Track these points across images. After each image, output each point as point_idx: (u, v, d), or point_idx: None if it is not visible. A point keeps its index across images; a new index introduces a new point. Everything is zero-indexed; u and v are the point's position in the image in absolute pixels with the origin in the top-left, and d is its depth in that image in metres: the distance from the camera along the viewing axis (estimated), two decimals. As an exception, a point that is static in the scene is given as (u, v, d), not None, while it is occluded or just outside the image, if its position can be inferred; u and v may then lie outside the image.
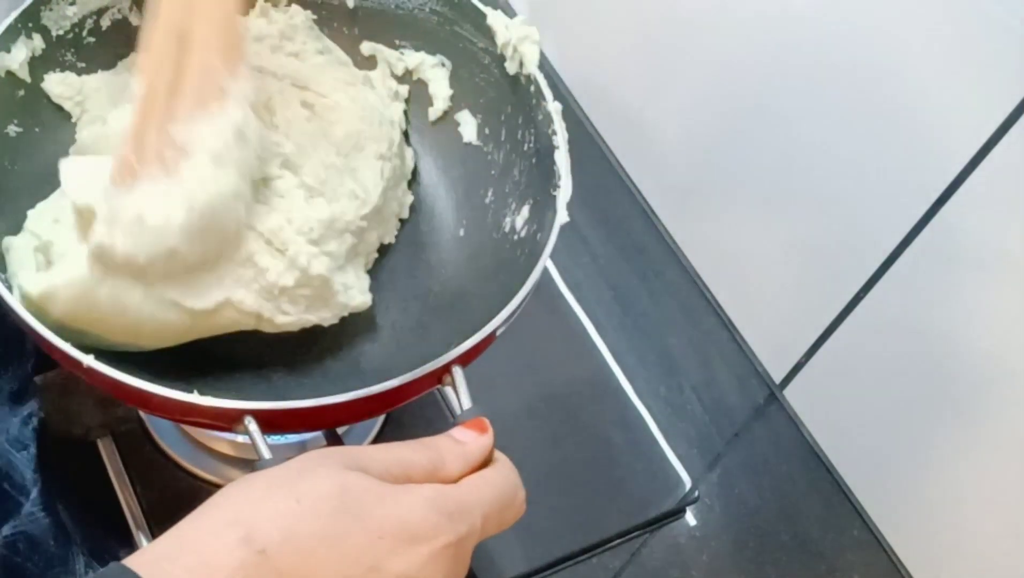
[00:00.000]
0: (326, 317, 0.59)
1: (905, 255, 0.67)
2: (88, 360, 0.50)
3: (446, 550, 0.41)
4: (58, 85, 0.63)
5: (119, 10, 0.65)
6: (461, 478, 0.45)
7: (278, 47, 0.65)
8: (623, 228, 0.88)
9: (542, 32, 0.62)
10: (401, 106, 0.68)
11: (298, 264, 0.56)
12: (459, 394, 0.52)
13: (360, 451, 0.44)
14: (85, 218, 0.54)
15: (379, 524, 0.40)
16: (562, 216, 0.57)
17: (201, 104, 0.53)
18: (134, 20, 0.65)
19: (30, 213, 0.57)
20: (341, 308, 0.60)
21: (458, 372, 0.52)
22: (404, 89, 0.69)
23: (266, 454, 0.48)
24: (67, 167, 0.56)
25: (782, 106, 0.73)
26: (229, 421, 0.50)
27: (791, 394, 0.79)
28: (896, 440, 0.71)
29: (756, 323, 0.82)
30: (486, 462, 0.46)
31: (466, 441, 0.46)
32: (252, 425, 0.49)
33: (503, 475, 0.46)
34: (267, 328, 0.58)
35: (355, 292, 0.60)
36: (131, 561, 0.38)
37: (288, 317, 0.58)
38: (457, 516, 0.42)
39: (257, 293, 0.57)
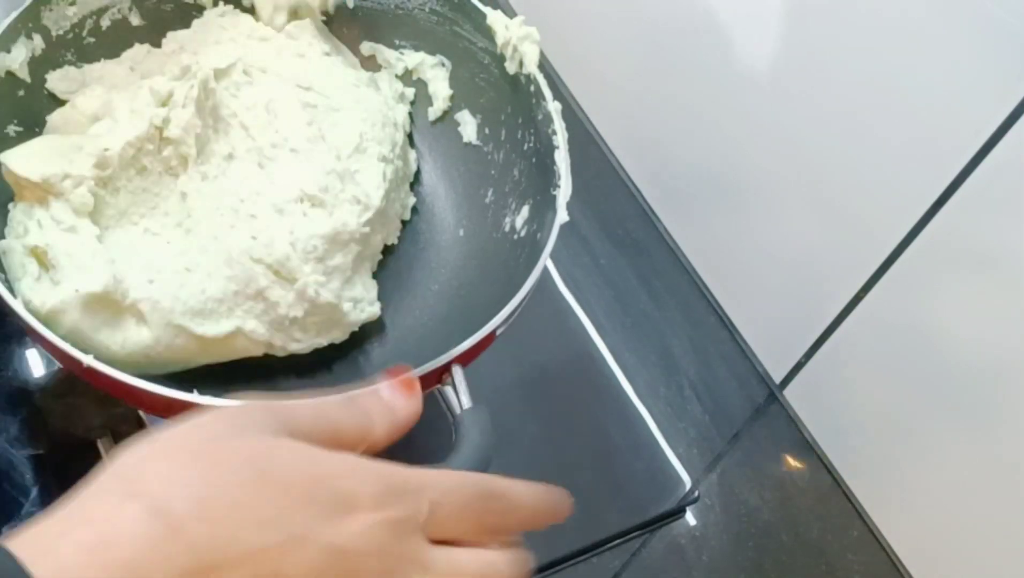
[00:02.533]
0: (337, 337, 0.60)
1: (905, 255, 0.67)
2: (88, 360, 0.50)
3: (385, 525, 0.36)
4: (60, 81, 0.63)
5: (119, 10, 0.65)
6: (388, 444, 0.40)
7: (284, 47, 0.65)
8: (623, 228, 0.88)
9: (542, 32, 0.62)
10: (406, 108, 0.68)
11: (307, 296, 0.56)
12: (459, 394, 0.52)
13: (284, 408, 0.38)
14: (36, 195, 0.55)
15: (308, 488, 0.35)
16: (562, 216, 0.57)
17: None
18: (134, 20, 0.66)
19: (9, 217, 0.57)
20: (352, 325, 0.60)
21: (458, 372, 0.52)
22: (410, 92, 0.69)
23: (266, 454, 0.48)
24: (10, 156, 0.56)
25: (782, 106, 0.73)
26: (229, 421, 0.50)
27: (791, 394, 0.79)
28: (896, 440, 0.71)
29: (756, 323, 0.82)
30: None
31: (394, 404, 0.41)
32: (252, 425, 0.49)
33: (463, 471, 0.41)
34: (279, 353, 0.58)
35: (364, 304, 0.60)
36: (11, 539, 0.32)
37: (299, 344, 0.58)
38: (399, 489, 0.36)
39: (268, 324, 0.57)
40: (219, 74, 0.62)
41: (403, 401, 0.41)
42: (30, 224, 0.55)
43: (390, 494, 0.36)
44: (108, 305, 0.54)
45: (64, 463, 0.67)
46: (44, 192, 0.56)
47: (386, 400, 0.41)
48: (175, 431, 0.36)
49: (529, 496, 0.41)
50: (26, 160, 0.56)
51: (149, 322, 0.54)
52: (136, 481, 0.34)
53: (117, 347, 0.54)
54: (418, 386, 0.42)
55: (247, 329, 0.56)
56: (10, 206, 0.57)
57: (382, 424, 0.40)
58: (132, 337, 0.54)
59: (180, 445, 0.36)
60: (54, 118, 0.61)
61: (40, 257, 0.55)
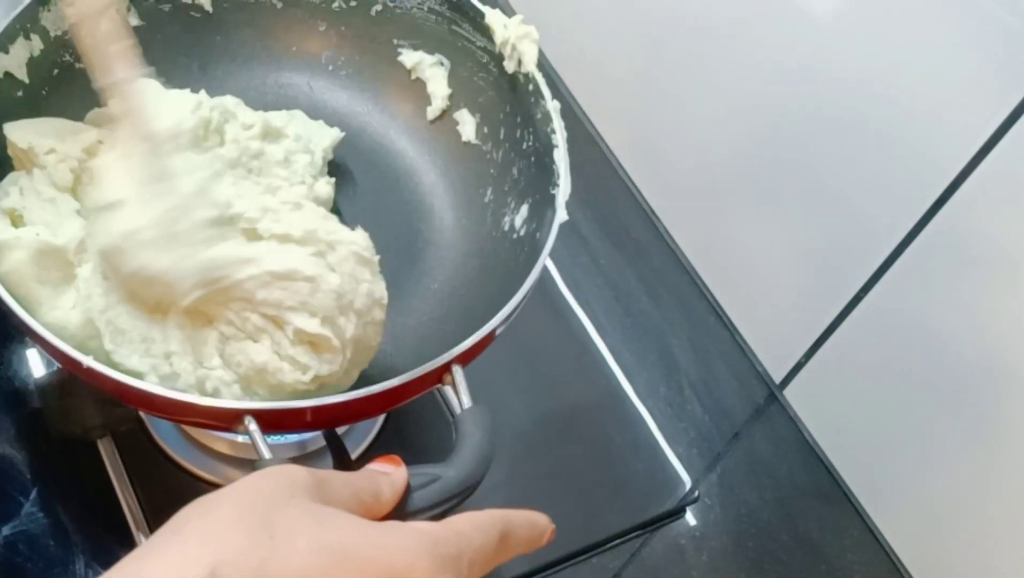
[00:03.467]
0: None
1: (905, 255, 0.67)
2: (88, 361, 0.50)
3: None
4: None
5: (117, 11, 0.65)
6: (393, 508, 0.43)
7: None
8: (623, 228, 0.88)
9: (541, 31, 0.62)
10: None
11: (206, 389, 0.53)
12: (459, 394, 0.52)
13: (325, 479, 0.40)
14: (24, 164, 0.57)
15: (362, 565, 0.36)
16: (561, 215, 0.57)
17: None
18: (132, 20, 0.65)
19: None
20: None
21: (458, 372, 0.52)
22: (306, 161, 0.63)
23: (266, 454, 0.48)
24: (11, 125, 0.58)
25: (782, 105, 0.73)
26: (229, 421, 0.50)
27: (791, 394, 0.79)
28: (896, 440, 0.71)
29: (756, 323, 0.82)
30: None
31: (387, 471, 0.44)
32: (252, 425, 0.49)
33: (488, 515, 0.42)
34: None
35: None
36: None
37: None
38: (445, 559, 0.38)
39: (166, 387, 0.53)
40: (271, 132, 0.61)
41: (393, 468, 0.44)
42: (12, 189, 0.56)
43: (439, 568, 0.38)
44: (61, 264, 0.53)
45: (64, 463, 0.67)
46: (30, 161, 0.57)
47: (381, 470, 0.44)
48: (231, 491, 0.38)
49: (525, 528, 0.44)
50: (22, 130, 0.58)
51: (79, 307, 0.53)
52: (194, 541, 0.35)
53: (46, 309, 0.53)
54: (399, 460, 0.44)
55: (146, 377, 0.52)
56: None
57: (387, 488, 0.43)
58: (60, 316, 0.53)
59: (238, 506, 0.37)
60: (92, 114, 0.62)
61: (15, 220, 0.55)
